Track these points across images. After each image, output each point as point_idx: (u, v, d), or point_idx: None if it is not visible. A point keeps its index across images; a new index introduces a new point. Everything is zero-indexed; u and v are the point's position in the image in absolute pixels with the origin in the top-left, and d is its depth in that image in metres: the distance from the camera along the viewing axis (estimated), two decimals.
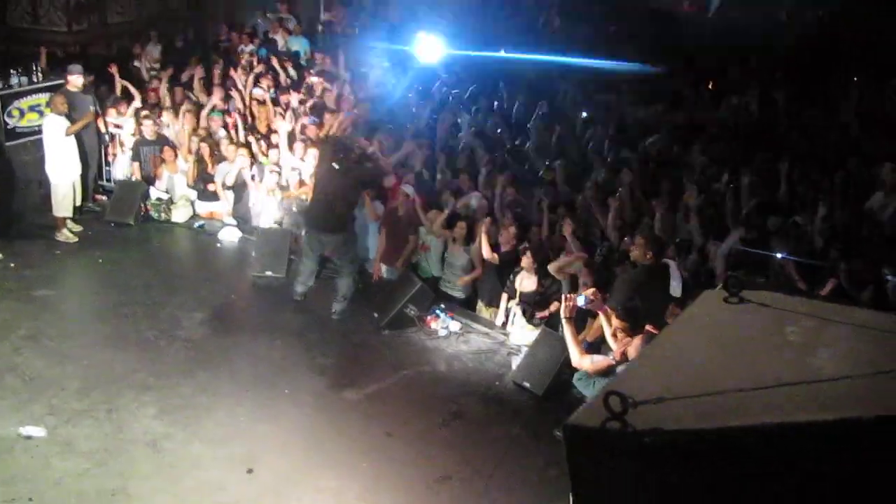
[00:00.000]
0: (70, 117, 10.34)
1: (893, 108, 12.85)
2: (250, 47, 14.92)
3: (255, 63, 13.74)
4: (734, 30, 15.60)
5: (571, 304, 6.35)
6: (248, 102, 12.37)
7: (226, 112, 11.93)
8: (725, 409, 2.02)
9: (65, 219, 10.47)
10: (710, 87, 14.84)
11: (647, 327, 6.25)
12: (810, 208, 9.16)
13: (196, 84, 12.89)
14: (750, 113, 13.28)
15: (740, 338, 2.49)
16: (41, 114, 10.47)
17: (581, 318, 7.34)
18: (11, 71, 10.76)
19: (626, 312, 6.38)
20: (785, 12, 16.45)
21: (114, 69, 12.25)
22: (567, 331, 6.32)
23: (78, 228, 10.67)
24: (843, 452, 2.00)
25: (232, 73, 12.83)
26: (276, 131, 11.28)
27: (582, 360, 6.20)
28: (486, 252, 8.83)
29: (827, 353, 2.43)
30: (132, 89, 12.05)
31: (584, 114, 13.05)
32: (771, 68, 14.51)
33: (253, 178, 10.77)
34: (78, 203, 10.81)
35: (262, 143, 11.24)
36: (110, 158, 11.80)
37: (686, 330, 2.69)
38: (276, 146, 11.03)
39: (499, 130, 12.56)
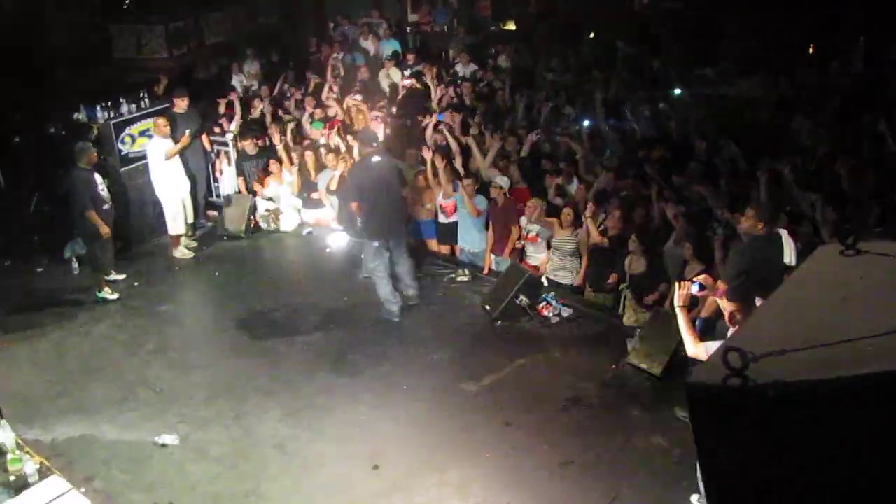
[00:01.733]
0: (175, 138, 10.73)
1: None
2: (341, 55, 15.20)
3: (341, 71, 14.07)
4: None
5: (685, 291, 6.16)
6: (345, 109, 12.60)
7: (325, 120, 12.16)
8: (847, 358, 1.96)
9: (179, 236, 10.88)
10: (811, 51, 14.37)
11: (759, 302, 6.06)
12: None
13: (292, 98, 13.22)
14: (855, 73, 12.82)
15: (858, 288, 2.40)
16: (151, 137, 10.88)
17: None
18: (121, 100, 11.22)
19: (735, 294, 6.14)
20: None
21: (221, 101, 12.70)
22: (681, 319, 6.12)
23: (193, 244, 11.10)
24: None
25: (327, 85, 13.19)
26: None
27: (697, 350, 6.00)
28: (595, 235, 8.76)
29: None
30: (236, 105, 12.45)
31: (678, 90, 12.76)
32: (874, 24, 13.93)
33: None
34: (190, 220, 11.24)
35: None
36: (218, 175, 12.18)
37: (802, 285, 2.60)
38: None
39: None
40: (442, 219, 10.39)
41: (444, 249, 10.57)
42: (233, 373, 8.12)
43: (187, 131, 10.82)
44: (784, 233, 7.31)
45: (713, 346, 6.05)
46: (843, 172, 8.73)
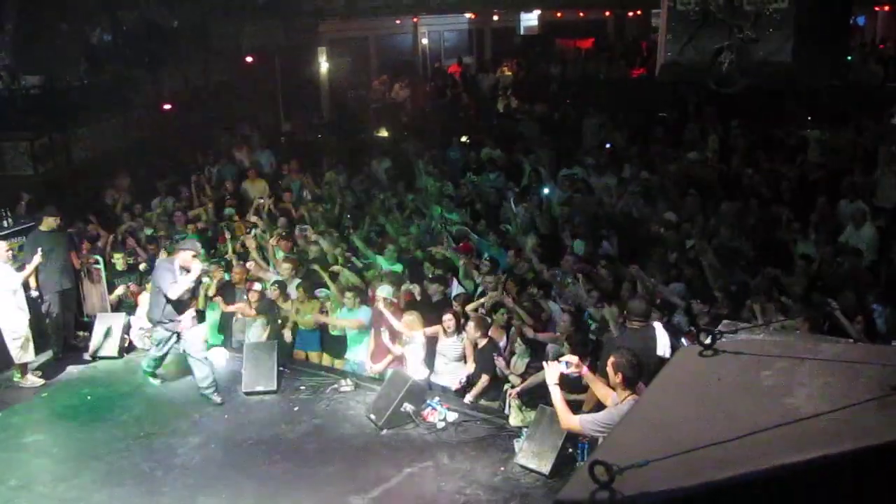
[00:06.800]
0: (49, 258, 10.45)
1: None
2: (216, 168, 15.25)
3: (206, 187, 14.19)
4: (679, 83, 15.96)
5: (555, 370, 6.24)
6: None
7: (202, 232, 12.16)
8: (710, 464, 2.02)
9: (26, 364, 10.21)
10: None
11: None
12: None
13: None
14: (710, 165, 13.59)
15: (718, 389, 2.51)
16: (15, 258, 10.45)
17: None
18: None
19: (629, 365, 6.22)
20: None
21: (93, 218, 12.53)
22: (555, 395, 6.19)
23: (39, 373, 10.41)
24: (825, 488, 2.01)
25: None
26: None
27: (571, 422, 6.06)
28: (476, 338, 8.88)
29: (803, 393, 2.47)
30: (100, 229, 12.23)
31: (546, 189, 13.19)
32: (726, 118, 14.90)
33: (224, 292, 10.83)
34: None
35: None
36: (87, 293, 11.76)
37: (665, 389, 2.70)
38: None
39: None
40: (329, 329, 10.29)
41: (325, 359, 10.41)
42: None
43: (39, 250, 10.38)
44: (658, 325, 7.53)
45: (587, 418, 6.09)
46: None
